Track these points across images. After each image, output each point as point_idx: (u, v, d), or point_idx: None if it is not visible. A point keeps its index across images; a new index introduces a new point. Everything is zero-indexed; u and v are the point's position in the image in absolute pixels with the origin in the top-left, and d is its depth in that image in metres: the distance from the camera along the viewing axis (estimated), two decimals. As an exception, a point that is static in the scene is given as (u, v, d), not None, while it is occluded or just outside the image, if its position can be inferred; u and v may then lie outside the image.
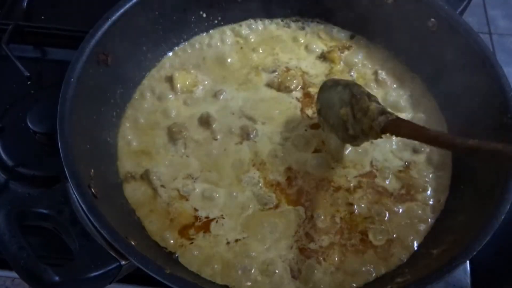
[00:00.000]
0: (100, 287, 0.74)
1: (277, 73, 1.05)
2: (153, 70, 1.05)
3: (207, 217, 0.88)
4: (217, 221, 0.87)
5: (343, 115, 0.83)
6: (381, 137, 0.79)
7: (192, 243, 0.85)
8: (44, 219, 0.76)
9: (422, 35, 1.00)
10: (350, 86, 0.85)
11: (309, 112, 1.00)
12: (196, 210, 0.88)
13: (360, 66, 1.07)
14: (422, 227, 0.88)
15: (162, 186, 0.90)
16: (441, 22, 0.96)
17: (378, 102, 0.81)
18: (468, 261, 0.86)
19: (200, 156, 0.94)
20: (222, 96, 1.01)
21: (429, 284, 0.70)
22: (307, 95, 1.03)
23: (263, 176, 0.92)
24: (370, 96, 0.82)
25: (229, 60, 1.07)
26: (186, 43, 1.09)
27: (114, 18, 0.92)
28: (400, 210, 0.89)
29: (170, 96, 1.01)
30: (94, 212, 0.72)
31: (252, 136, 0.96)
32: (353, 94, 0.82)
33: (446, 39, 0.96)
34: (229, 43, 1.10)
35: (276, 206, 0.89)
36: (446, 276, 0.71)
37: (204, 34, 1.10)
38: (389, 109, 0.80)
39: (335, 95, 0.86)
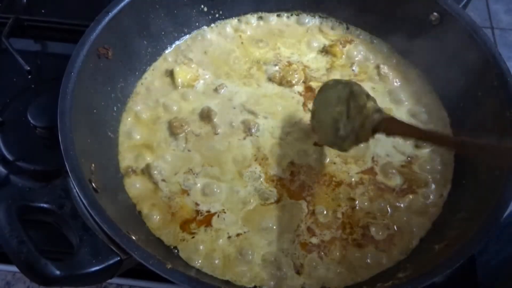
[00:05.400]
0: (101, 282, 0.74)
1: (278, 67, 1.05)
2: (154, 64, 1.04)
3: (208, 212, 0.87)
4: (218, 216, 0.87)
5: (338, 113, 0.84)
6: (371, 138, 0.81)
7: (193, 237, 0.85)
8: (45, 214, 0.76)
9: (424, 29, 0.99)
10: (350, 84, 0.86)
11: (311, 106, 0.99)
12: (197, 204, 0.88)
13: (362, 60, 1.06)
14: (424, 222, 0.88)
15: (163, 180, 0.90)
16: (443, 16, 0.96)
17: (375, 102, 0.82)
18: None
19: (201, 151, 0.94)
20: (223, 91, 1.01)
21: (431, 280, 0.70)
22: (309, 89, 1.02)
23: (264, 171, 0.91)
24: (368, 96, 0.83)
25: (230, 54, 1.06)
26: (187, 37, 1.08)
27: (114, 11, 0.91)
28: (402, 205, 0.89)
29: (171, 90, 1.01)
30: (94, 206, 0.72)
31: (253, 130, 0.95)
32: (352, 91, 0.84)
33: (448, 33, 0.96)
34: (230, 37, 1.09)
35: (278, 201, 0.88)
36: (448, 271, 0.70)
37: (205, 28, 1.10)
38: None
39: (334, 93, 0.87)
